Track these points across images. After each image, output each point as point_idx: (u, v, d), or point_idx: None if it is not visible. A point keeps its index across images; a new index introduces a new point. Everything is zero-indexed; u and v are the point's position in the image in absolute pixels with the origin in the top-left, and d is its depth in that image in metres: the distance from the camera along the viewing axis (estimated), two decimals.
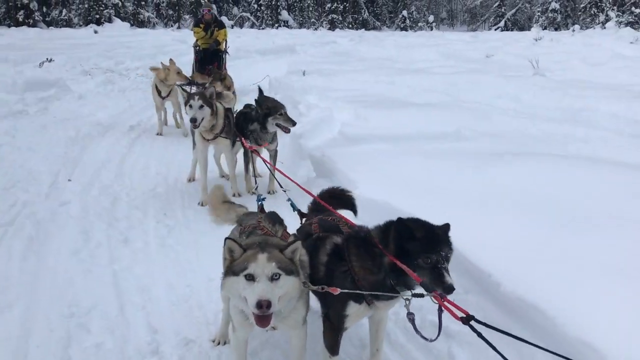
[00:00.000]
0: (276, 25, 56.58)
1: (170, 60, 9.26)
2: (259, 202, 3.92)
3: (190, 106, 5.57)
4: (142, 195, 6.10)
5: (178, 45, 25.86)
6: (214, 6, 14.15)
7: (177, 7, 52.22)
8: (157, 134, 9.07)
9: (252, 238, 2.82)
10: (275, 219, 3.11)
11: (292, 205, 3.86)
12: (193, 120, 5.55)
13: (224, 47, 13.63)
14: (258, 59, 21.76)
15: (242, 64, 19.01)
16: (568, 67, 15.36)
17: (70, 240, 4.83)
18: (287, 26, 57.23)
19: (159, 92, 9.02)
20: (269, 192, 6.21)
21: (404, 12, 70.68)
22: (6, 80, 11.50)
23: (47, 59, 16.29)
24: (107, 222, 5.28)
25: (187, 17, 51.14)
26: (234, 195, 6.09)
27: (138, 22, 48.33)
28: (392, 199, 4.54)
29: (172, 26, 50.21)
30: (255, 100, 6.00)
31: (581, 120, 8.25)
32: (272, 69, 15.36)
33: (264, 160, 5.86)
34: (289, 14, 61.81)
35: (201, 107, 5.57)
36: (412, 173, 5.39)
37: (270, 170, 5.82)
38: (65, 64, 16.21)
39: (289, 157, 7.08)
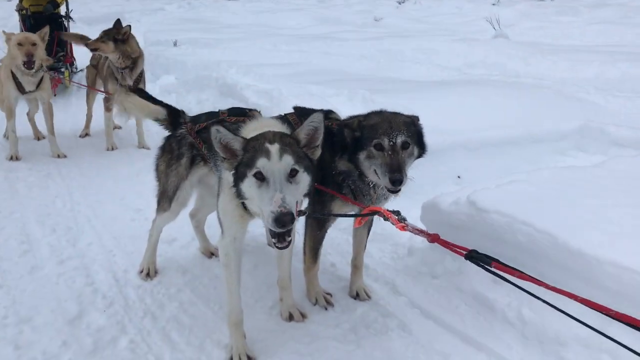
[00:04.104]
0: None
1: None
2: None
3: None
4: None
5: None
6: None
7: None
8: (11, 159, 4.96)
9: None
10: None
11: None
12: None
13: (67, 9, 9.33)
14: (86, 31, 16.76)
15: None
16: (487, 29, 13.34)
17: None
18: None
19: (19, 86, 4.82)
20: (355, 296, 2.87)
21: None
22: None
23: None
24: None
25: None
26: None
27: None
28: None
29: None
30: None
31: None
32: None
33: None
34: None
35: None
36: None
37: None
38: None
39: None
